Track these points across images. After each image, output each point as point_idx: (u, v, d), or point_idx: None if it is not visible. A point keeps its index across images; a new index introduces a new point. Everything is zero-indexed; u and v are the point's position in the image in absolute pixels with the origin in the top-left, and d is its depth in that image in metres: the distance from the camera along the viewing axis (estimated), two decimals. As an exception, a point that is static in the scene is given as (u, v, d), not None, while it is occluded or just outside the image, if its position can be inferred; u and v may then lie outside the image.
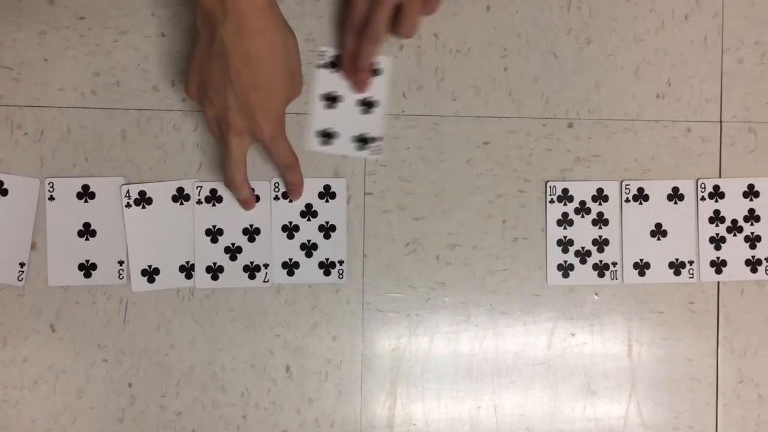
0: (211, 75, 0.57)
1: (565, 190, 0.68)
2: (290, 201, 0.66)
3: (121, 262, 0.65)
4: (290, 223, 0.66)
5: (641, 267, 0.68)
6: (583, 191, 0.68)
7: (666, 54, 0.69)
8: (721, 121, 0.69)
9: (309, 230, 0.66)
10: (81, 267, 0.65)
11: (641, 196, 0.68)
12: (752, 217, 0.68)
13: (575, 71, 0.68)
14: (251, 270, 0.66)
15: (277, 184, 0.66)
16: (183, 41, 0.66)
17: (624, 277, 0.68)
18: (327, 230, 0.66)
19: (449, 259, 0.67)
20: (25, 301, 0.65)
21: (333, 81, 0.66)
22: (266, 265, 0.66)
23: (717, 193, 0.68)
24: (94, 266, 0.65)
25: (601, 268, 0.68)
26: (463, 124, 0.68)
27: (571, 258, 0.68)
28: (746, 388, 0.68)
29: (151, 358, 0.66)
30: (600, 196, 0.68)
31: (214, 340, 0.66)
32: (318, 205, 0.66)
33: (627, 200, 0.68)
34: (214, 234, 0.66)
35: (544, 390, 0.68)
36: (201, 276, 0.66)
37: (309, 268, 0.66)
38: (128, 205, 0.65)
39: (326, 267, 0.66)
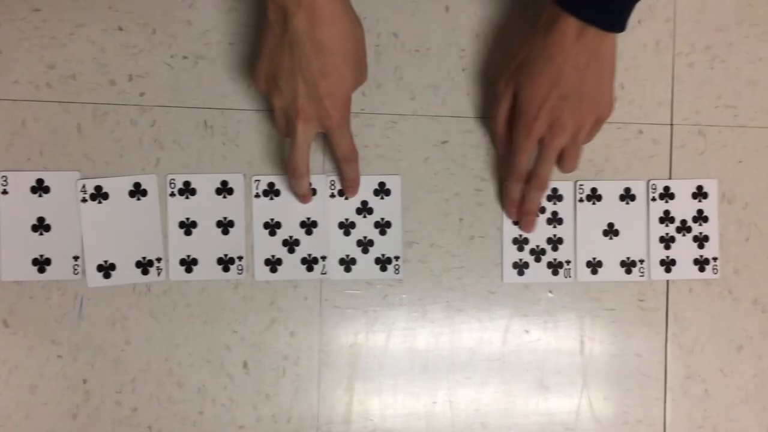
0: (282, 64, 0.58)
1: (521, 190, 0.69)
2: (346, 198, 0.67)
3: (76, 258, 0.65)
4: (346, 219, 0.67)
5: (594, 265, 0.69)
6: (538, 190, 0.69)
7: (619, 57, 0.70)
8: (671, 124, 0.71)
9: (365, 227, 0.67)
10: (35, 262, 0.64)
11: (594, 196, 0.70)
12: (701, 217, 0.70)
13: (532, 72, 0.69)
14: (309, 262, 0.66)
15: (333, 182, 0.67)
16: (140, 35, 0.66)
17: (577, 275, 0.69)
18: (382, 227, 0.67)
19: (406, 257, 0.68)
20: (-24, 296, 0.64)
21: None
22: (323, 258, 0.67)
23: (667, 194, 0.70)
24: (48, 261, 0.65)
25: (555, 267, 0.69)
26: (421, 122, 0.69)
27: (526, 256, 0.69)
28: (693, 383, 0.70)
29: (107, 353, 0.65)
30: (555, 196, 0.69)
31: (171, 335, 0.66)
32: (373, 202, 0.67)
33: (581, 200, 0.69)
34: (272, 227, 0.66)
35: (499, 385, 0.69)
36: (260, 269, 0.66)
37: (366, 264, 0.67)
38: (84, 200, 0.65)
39: (382, 263, 0.67)
